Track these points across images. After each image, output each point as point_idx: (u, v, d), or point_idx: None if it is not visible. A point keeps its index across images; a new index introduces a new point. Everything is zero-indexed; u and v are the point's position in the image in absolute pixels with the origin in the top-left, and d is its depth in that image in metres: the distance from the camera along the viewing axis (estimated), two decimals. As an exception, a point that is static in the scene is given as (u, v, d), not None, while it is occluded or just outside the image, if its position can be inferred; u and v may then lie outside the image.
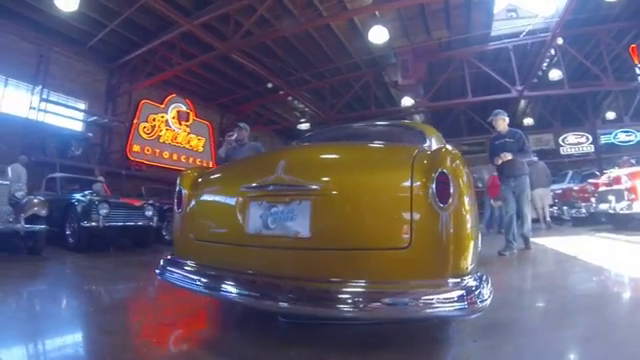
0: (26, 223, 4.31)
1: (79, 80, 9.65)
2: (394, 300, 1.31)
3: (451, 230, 1.38)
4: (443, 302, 1.27)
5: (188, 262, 1.77)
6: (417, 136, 2.37)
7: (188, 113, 12.52)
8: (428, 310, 1.27)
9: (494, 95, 11.01)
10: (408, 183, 1.43)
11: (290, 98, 13.15)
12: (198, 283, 1.64)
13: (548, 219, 7.63)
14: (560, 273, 3.17)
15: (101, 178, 7.45)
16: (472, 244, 1.45)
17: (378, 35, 8.25)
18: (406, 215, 1.40)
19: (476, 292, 1.29)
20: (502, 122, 4.21)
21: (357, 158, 1.74)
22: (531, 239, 4.54)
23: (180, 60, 9.23)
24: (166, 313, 2.24)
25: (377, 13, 8.33)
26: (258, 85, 11.91)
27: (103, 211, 5.05)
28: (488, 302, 1.32)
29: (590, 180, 8.50)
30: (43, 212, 4.55)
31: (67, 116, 9.31)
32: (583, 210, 8.19)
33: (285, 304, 1.40)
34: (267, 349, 1.54)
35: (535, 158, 6.84)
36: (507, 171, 4.16)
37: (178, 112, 12.24)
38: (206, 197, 1.89)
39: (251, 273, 1.56)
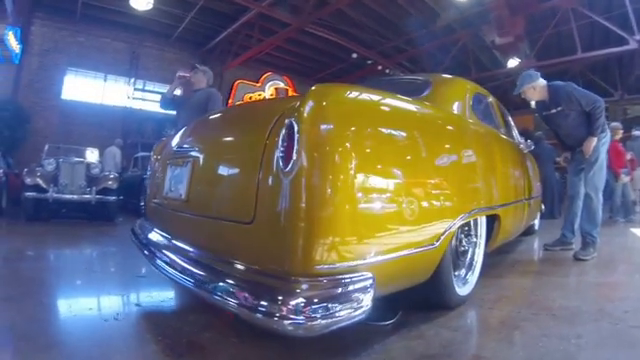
0: (99, 195, 4.98)
1: (170, 69, 10.68)
2: (221, 287, 1.05)
3: (301, 204, 0.95)
4: (268, 309, 0.89)
5: (146, 223, 1.87)
6: (417, 87, 1.99)
7: (287, 90, 12.49)
8: (251, 313, 0.93)
9: (607, 49, 8.43)
10: (263, 141, 1.11)
11: (388, 70, 12.34)
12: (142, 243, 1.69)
13: None
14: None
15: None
16: (349, 228, 0.99)
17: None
18: (254, 181, 1.09)
19: (320, 305, 0.88)
20: (532, 91, 2.73)
21: (233, 118, 1.58)
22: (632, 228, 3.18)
23: (261, 37, 9.53)
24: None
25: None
26: (357, 60, 11.38)
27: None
28: (344, 322, 0.91)
29: None
30: (114, 185, 5.19)
31: (161, 101, 10.70)
32: None
33: (174, 270, 1.29)
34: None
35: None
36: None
37: (276, 89, 12.32)
38: (156, 163, 2.02)
39: (168, 234, 1.59)
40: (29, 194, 4.75)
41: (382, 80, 2.66)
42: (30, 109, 8.40)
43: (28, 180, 4.87)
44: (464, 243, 1.76)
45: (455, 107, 1.93)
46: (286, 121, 1.03)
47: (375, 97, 1.21)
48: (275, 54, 11.28)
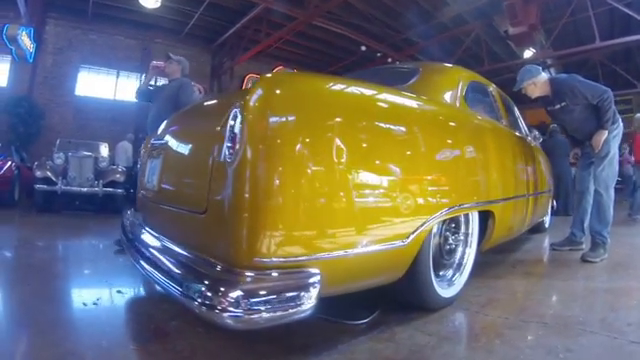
0: (107, 187, 5.11)
1: (182, 65, 10.89)
2: (174, 278, 1.03)
3: (242, 195, 0.92)
4: (209, 301, 0.87)
5: (135, 214, 1.89)
6: (404, 75, 1.90)
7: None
8: (194, 305, 0.90)
9: (628, 37, 7.85)
10: (217, 132, 1.08)
11: (398, 63, 12.09)
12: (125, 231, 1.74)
13: None
14: None
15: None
16: (293, 222, 0.94)
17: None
18: (207, 171, 1.08)
19: (261, 299, 0.86)
20: (533, 87, 2.51)
21: (200, 110, 1.55)
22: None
23: (269, 31, 9.45)
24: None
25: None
26: (367, 53, 11.16)
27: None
28: (288, 318, 0.88)
29: None
30: (122, 179, 5.30)
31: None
32: None
33: (141, 260, 1.29)
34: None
35: None
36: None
37: (287, 83, 12.56)
38: (143, 155, 2.01)
39: (146, 223, 1.62)
40: (39, 186, 4.91)
41: (371, 70, 2.52)
42: (45, 105, 8.66)
43: (38, 173, 5.02)
44: (451, 241, 1.64)
45: (445, 95, 1.80)
46: (232, 111, 1.01)
47: (332, 85, 1.13)
48: (285, 48, 11.23)
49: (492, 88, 2.47)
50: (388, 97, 1.24)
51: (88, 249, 3.04)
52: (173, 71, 2.96)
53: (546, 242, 3.16)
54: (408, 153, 1.19)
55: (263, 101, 0.97)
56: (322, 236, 0.97)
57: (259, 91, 0.98)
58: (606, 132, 2.40)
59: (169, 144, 1.51)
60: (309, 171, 0.96)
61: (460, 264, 1.73)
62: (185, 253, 1.12)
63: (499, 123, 2.29)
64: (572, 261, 2.43)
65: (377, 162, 1.09)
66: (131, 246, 1.49)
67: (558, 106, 2.51)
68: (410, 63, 2.31)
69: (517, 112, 3.03)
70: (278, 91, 1.00)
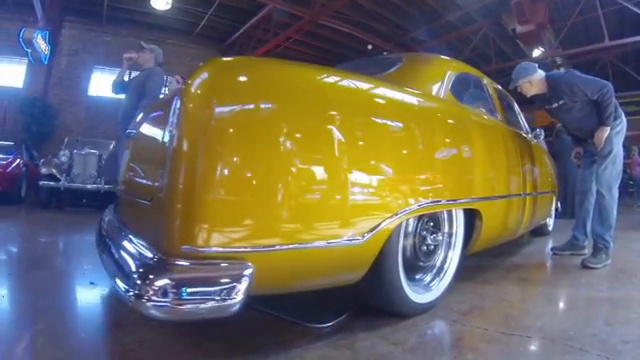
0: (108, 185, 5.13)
1: (191, 64, 10.99)
2: (118, 269, 1.01)
3: (175, 184, 0.89)
4: (137, 290, 0.84)
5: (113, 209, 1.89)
6: (386, 65, 1.84)
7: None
8: (125, 295, 0.87)
9: (639, 36, 7.60)
10: (166, 119, 1.03)
11: (385, 53, 12.00)
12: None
13: None
14: None
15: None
16: (225, 212, 0.88)
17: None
18: (155, 159, 1.09)
19: (184, 290, 0.81)
20: (529, 85, 2.36)
21: (162, 100, 1.60)
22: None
23: (277, 30, 9.58)
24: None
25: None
26: (374, 51, 11.05)
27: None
28: (215, 312, 0.84)
29: None
30: (123, 177, 5.35)
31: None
32: None
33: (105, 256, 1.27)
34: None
35: None
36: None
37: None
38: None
39: (117, 216, 1.60)
40: (43, 183, 5.00)
41: (359, 62, 2.41)
42: (59, 105, 8.92)
43: (43, 170, 5.13)
44: (429, 241, 1.52)
45: (428, 85, 1.69)
46: (175, 97, 0.97)
47: (278, 71, 1.05)
48: (294, 47, 11.22)
49: (487, 81, 2.33)
50: (343, 82, 1.14)
51: (79, 245, 3.04)
52: (145, 60, 2.93)
53: (547, 246, 2.97)
54: (364, 143, 1.08)
55: (199, 88, 0.93)
56: (257, 229, 0.90)
57: (198, 77, 0.94)
58: (608, 129, 2.23)
59: (134, 136, 1.49)
60: (245, 161, 0.90)
61: (442, 267, 1.61)
62: (135, 243, 1.08)
63: (492, 117, 2.15)
64: (572, 267, 2.26)
65: (326, 152, 0.99)
66: (101, 242, 1.44)
67: (556, 104, 2.36)
68: (399, 54, 2.19)
69: (517, 108, 2.87)
70: (213, 78, 0.95)
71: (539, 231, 3.33)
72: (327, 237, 0.98)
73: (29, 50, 7.42)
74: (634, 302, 1.63)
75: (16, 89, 8.87)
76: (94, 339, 1.23)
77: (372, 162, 1.10)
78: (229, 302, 0.83)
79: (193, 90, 0.93)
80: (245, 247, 0.88)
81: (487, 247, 2.04)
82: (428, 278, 1.54)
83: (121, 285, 0.91)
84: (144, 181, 1.28)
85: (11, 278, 1.86)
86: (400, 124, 1.25)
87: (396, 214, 1.14)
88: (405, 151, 1.23)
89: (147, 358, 1.08)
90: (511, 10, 7.97)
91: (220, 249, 0.86)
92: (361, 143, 1.07)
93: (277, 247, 0.91)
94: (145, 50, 2.90)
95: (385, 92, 1.27)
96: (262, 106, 0.94)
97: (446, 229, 1.66)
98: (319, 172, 0.97)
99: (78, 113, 9.44)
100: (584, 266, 2.19)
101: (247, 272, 0.85)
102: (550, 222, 3.56)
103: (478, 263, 2.28)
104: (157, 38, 10.24)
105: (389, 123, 1.20)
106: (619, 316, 1.47)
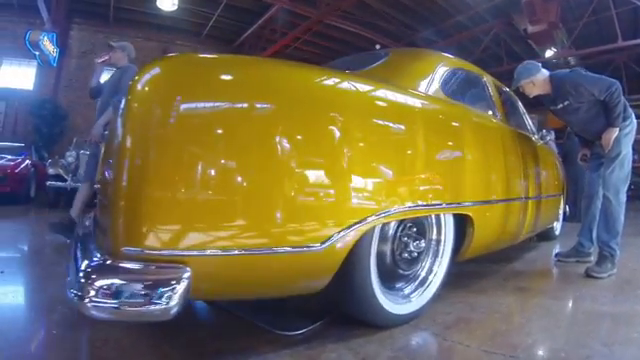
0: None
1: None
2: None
3: (118, 182, 0.88)
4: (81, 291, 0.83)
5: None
6: (372, 60, 1.78)
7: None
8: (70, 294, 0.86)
9: None
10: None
11: (377, 46, 11.89)
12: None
13: None
14: None
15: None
16: (164, 214, 0.85)
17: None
18: (116, 157, 1.01)
19: (119, 290, 0.81)
20: (531, 86, 2.23)
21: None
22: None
23: (285, 31, 9.61)
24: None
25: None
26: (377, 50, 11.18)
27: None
28: (153, 315, 0.83)
29: None
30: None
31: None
32: None
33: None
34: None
35: None
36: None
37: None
38: None
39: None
40: (50, 183, 5.08)
41: (344, 59, 2.30)
42: (69, 107, 9.09)
43: (50, 170, 5.21)
44: (412, 248, 1.42)
45: (414, 81, 1.59)
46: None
47: (229, 68, 0.98)
48: (303, 48, 11.22)
49: (487, 79, 2.21)
50: (302, 78, 1.06)
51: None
52: (118, 59, 2.88)
53: (553, 252, 2.81)
54: (321, 141, 0.99)
55: (143, 85, 0.91)
56: (198, 231, 0.86)
57: (142, 75, 0.91)
58: (616, 130, 2.08)
59: (106, 134, 1.48)
60: (186, 160, 0.86)
61: (425, 277, 1.51)
62: (93, 245, 1.07)
63: (490, 117, 2.03)
64: (575, 276, 2.11)
65: (279, 153, 0.91)
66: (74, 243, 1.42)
67: (561, 105, 2.22)
68: (389, 49, 2.10)
69: (522, 108, 2.73)
70: (158, 76, 0.92)
71: (545, 235, 3.17)
72: (277, 244, 0.91)
73: (37, 52, 7.56)
74: (637, 318, 1.50)
75: (27, 91, 9.10)
76: (64, 336, 1.26)
77: (331, 162, 1.01)
78: (167, 306, 0.81)
79: (138, 88, 0.90)
80: (185, 250, 0.84)
81: (482, 253, 1.92)
82: (410, 288, 1.45)
83: (69, 285, 0.90)
84: (107, 180, 1.24)
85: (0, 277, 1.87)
86: (372, 120, 1.16)
87: (363, 220, 1.05)
88: (375, 150, 1.12)
89: (110, 357, 1.10)
90: (522, 10, 7.76)
91: (160, 251, 0.83)
92: (318, 140, 0.98)
93: (219, 252, 0.86)
94: (116, 49, 2.88)
95: (348, 85, 1.17)
96: (204, 105, 0.90)
97: (433, 235, 1.56)
98: (267, 173, 0.90)
99: (88, 115, 9.58)
100: (588, 275, 2.05)
101: (185, 276, 0.82)
102: (557, 226, 3.39)
103: (475, 269, 2.17)
104: (165, 39, 10.39)
105: (355, 118, 1.10)
106: (619, 334, 1.34)
